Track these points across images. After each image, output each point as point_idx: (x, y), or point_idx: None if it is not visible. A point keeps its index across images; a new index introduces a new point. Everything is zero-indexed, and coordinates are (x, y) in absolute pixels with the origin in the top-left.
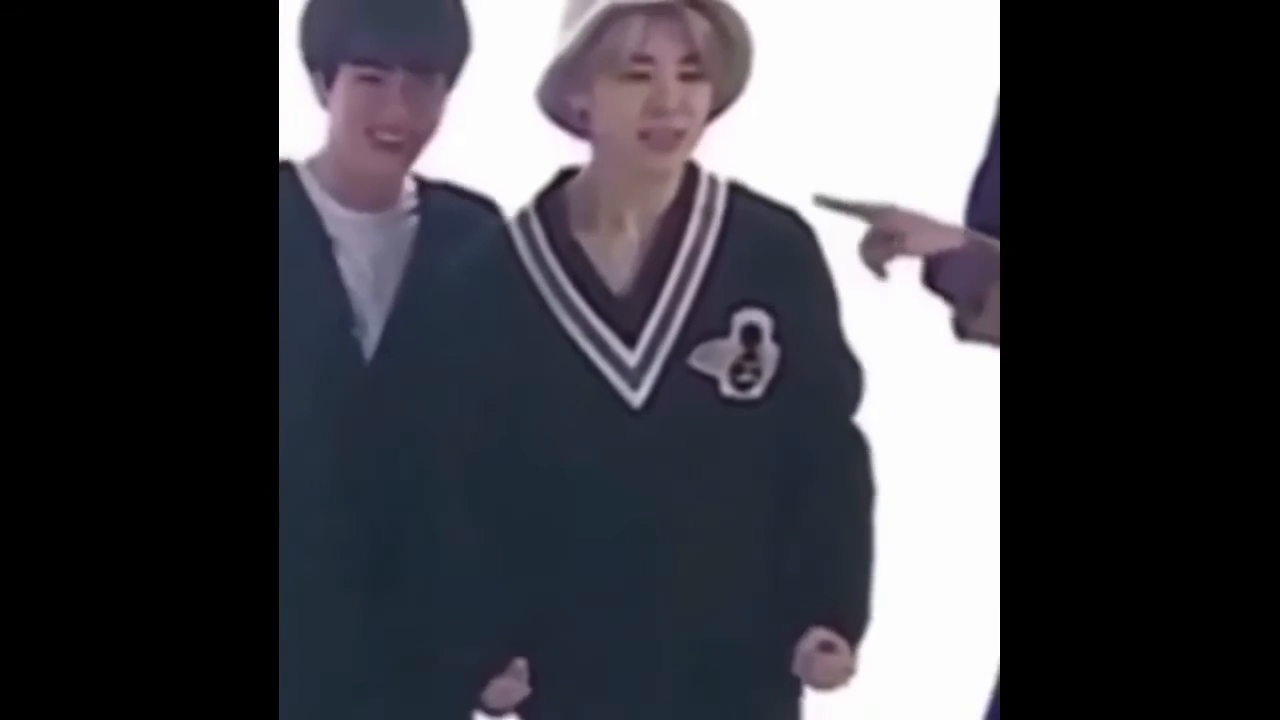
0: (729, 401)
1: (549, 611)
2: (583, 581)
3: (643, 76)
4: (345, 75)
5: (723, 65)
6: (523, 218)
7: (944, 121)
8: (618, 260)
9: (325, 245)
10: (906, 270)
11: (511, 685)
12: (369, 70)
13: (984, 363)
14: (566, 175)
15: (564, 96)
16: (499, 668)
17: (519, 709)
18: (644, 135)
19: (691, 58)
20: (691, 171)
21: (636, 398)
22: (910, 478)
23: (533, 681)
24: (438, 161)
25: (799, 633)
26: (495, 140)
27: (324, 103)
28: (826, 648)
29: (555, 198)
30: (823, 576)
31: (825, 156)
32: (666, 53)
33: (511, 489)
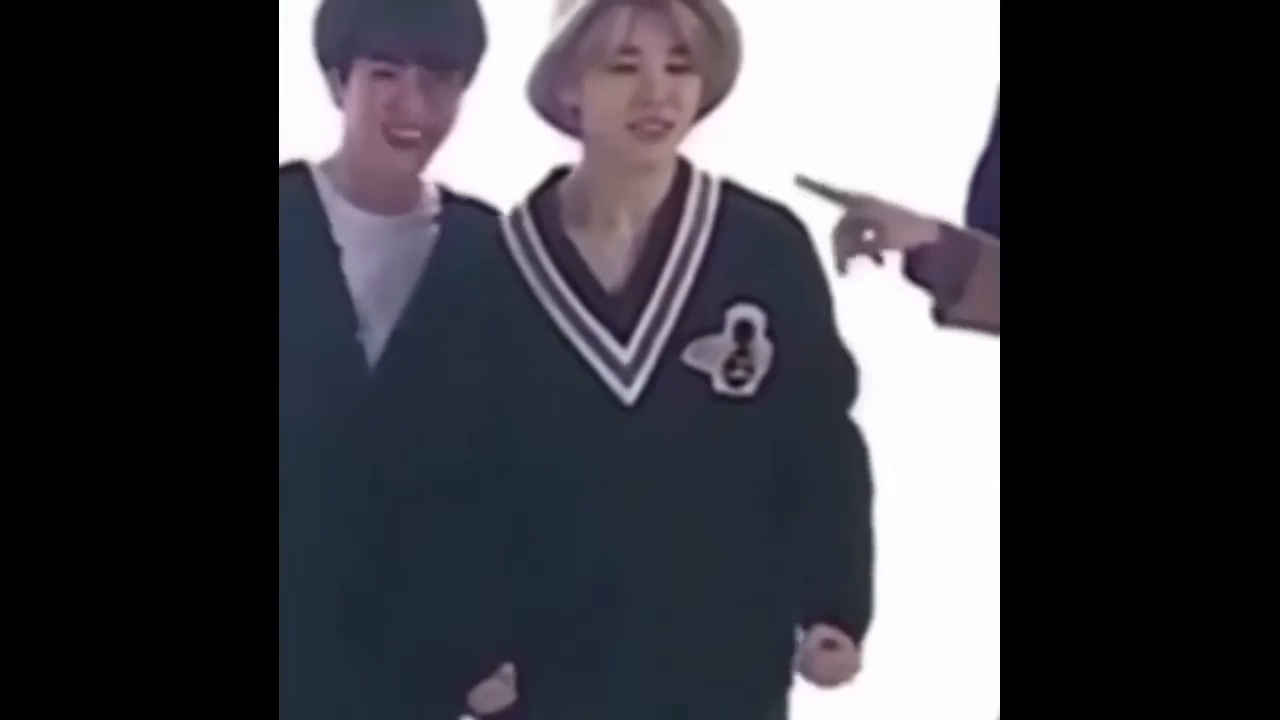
0: (722, 398)
1: (540, 612)
2: (575, 581)
3: (630, 69)
4: (360, 71)
5: (712, 59)
6: (515, 216)
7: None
8: (611, 257)
9: (331, 253)
10: (892, 261)
11: (498, 688)
12: (384, 65)
13: (981, 357)
14: (559, 174)
15: (555, 93)
16: (487, 671)
17: (505, 714)
18: (632, 127)
19: (679, 50)
20: (684, 169)
21: (629, 394)
22: (904, 471)
23: (520, 686)
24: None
25: (798, 630)
26: (492, 140)
27: (339, 102)
28: (829, 645)
29: (548, 196)
30: (822, 574)
31: (822, 152)
32: (653, 45)
33: (504, 488)
